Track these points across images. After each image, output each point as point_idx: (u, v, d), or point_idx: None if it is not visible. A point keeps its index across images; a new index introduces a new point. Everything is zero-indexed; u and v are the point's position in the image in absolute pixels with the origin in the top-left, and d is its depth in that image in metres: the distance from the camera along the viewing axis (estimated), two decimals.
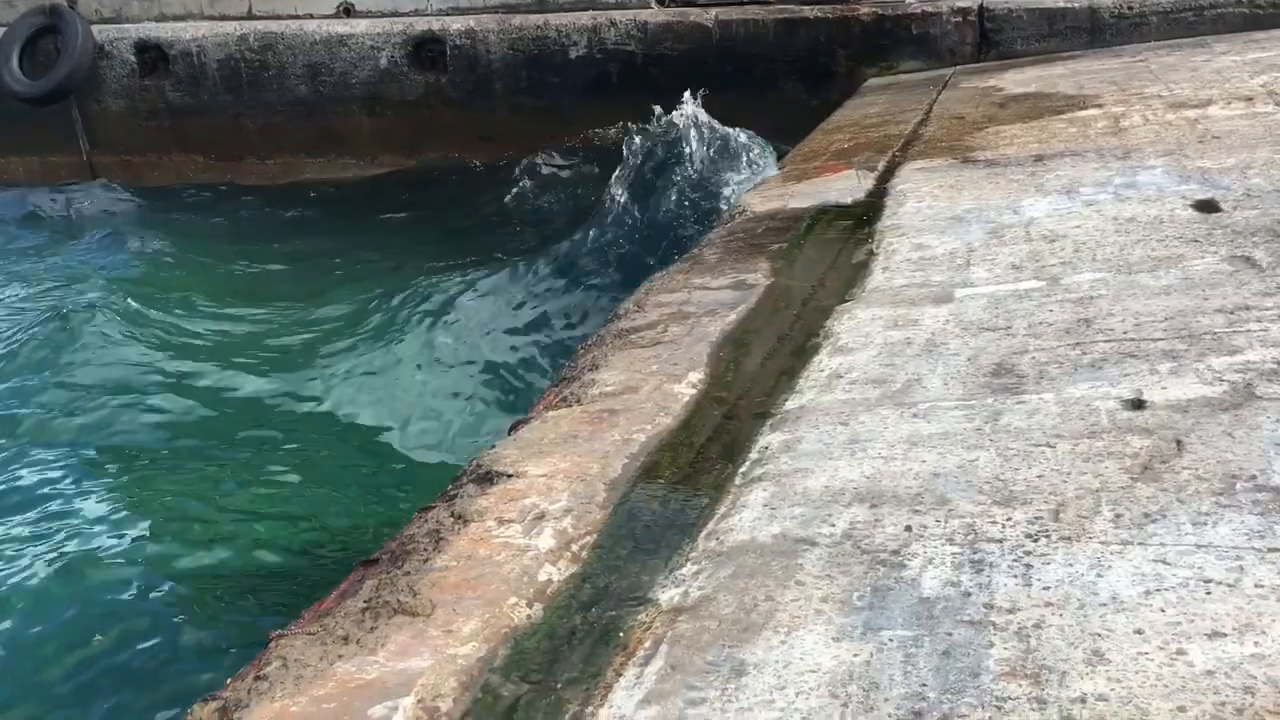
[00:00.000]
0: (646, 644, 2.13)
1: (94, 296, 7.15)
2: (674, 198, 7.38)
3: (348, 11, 10.32)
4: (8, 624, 3.99)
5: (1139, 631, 1.92)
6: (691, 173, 7.44)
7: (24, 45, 10.71)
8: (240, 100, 10.51)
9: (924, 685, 1.87)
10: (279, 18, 10.41)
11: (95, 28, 10.69)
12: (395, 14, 10.17)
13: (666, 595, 2.29)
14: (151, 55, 10.66)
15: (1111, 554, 2.15)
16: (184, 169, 10.89)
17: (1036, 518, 2.32)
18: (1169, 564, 2.09)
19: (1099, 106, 6.22)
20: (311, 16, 10.36)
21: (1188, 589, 2.01)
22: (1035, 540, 2.24)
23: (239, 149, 10.63)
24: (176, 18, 10.69)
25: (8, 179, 11.23)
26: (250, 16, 10.51)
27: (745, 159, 7.25)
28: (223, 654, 3.68)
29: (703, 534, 2.51)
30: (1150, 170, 4.77)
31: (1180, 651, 1.85)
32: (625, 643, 2.15)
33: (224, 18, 10.57)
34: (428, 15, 10.09)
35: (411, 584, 2.35)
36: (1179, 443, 2.52)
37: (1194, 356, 2.94)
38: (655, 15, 9.53)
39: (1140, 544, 2.17)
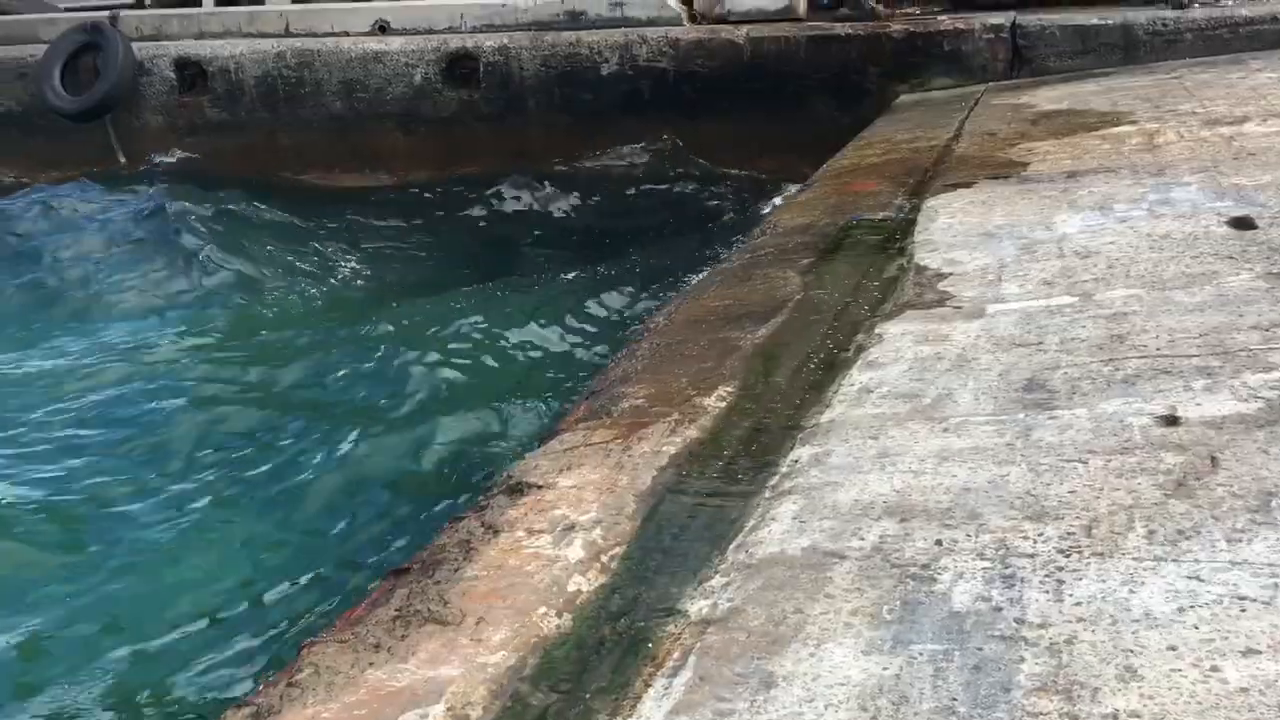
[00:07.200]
0: (675, 655, 2.13)
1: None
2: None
3: (383, 29, 10.44)
4: (36, 624, 4.04)
5: (1172, 648, 1.90)
6: None
7: (65, 62, 10.91)
8: (277, 117, 10.64)
9: (954, 699, 1.86)
10: (315, 35, 10.55)
11: (135, 45, 10.86)
12: (430, 31, 10.27)
13: (695, 607, 2.29)
14: (190, 72, 10.82)
15: (1145, 570, 2.14)
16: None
17: (1069, 533, 2.31)
18: (1203, 581, 2.07)
19: (1133, 123, 6.19)
20: (347, 34, 10.48)
21: (1222, 606, 1.99)
22: (1067, 556, 2.23)
23: (275, 165, 10.75)
24: (215, 35, 10.86)
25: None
26: (287, 34, 10.65)
27: None
28: (255, 662, 3.70)
29: (732, 546, 2.52)
30: (1185, 187, 4.73)
31: (1214, 669, 1.84)
32: (654, 653, 2.15)
33: (262, 35, 10.72)
34: (461, 33, 10.18)
35: (442, 593, 2.37)
36: (1213, 459, 2.50)
37: (1229, 373, 2.92)
38: (687, 33, 9.57)
39: (1174, 560, 2.15)
